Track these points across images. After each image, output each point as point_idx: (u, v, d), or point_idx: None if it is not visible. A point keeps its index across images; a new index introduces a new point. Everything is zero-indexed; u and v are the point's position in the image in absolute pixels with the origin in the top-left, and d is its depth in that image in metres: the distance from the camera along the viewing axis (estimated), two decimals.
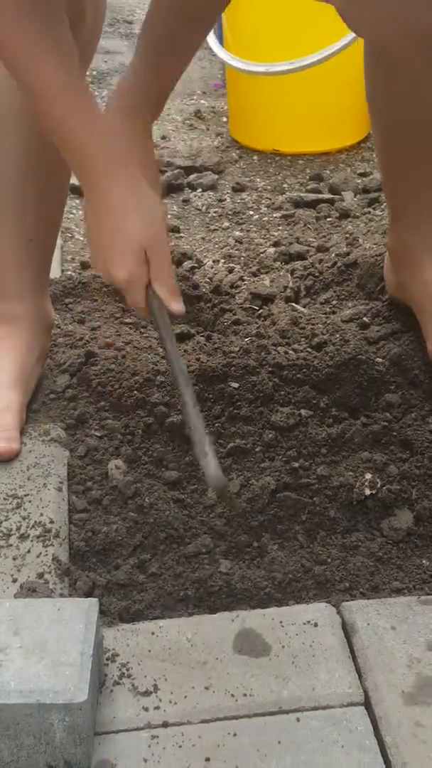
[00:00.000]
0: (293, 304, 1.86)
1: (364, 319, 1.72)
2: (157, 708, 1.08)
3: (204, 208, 2.27)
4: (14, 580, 1.23)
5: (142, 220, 1.25)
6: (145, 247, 1.24)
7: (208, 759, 1.04)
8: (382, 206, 2.17)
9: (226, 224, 2.21)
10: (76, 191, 2.23)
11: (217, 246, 2.11)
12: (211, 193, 2.34)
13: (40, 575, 1.24)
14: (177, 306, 1.26)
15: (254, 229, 2.18)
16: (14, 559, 1.26)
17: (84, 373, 1.57)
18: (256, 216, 2.24)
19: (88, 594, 1.24)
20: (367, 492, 1.40)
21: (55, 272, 1.80)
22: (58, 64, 1.23)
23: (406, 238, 1.64)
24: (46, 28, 1.23)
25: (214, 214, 2.25)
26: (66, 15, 1.27)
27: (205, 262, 2.02)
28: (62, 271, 1.95)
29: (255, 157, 2.52)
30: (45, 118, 1.28)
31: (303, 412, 1.53)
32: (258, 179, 2.42)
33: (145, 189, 1.27)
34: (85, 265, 1.99)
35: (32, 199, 1.48)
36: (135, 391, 1.54)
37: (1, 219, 1.51)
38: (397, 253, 1.69)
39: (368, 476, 1.42)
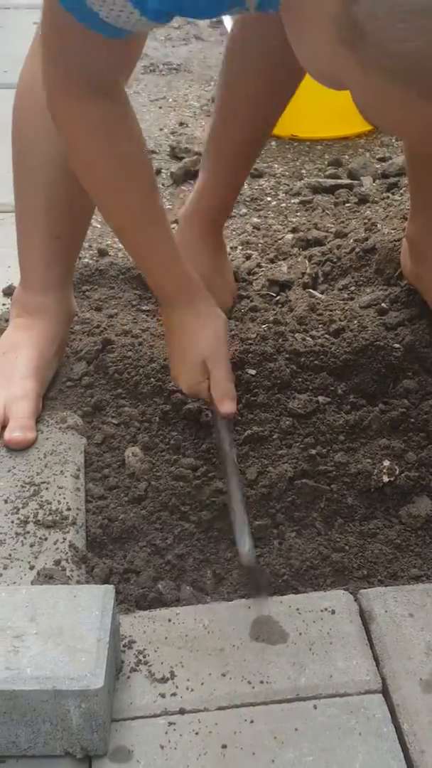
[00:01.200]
0: (311, 290, 1.85)
1: (383, 304, 1.71)
2: (173, 695, 1.08)
3: None
4: (31, 567, 1.23)
5: (206, 336, 1.38)
6: (206, 359, 1.37)
7: (224, 746, 1.04)
8: (401, 191, 2.15)
9: (244, 210, 2.20)
10: None
11: (234, 232, 2.10)
12: None
13: (57, 562, 1.24)
14: (224, 408, 1.36)
15: (272, 215, 2.17)
16: (31, 546, 1.26)
17: (101, 360, 1.57)
18: (274, 202, 2.23)
19: (105, 581, 1.24)
20: (386, 479, 1.40)
21: None
22: (142, 195, 1.33)
23: (427, 231, 1.64)
24: (126, 154, 1.30)
25: None
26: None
27: None
28: (79, 258, 1.94)
29: (273, 143, 2.50)
30: (128, 244, 1.42)
31: (320, 398, 1.52)
32: (276, 165, 2.40)
33: (212, 310, 1.41)
34: (102, 253, 1.98)
35: (63, 199, 1.50)
36: (152, 379, 1.54)
37: (33, 215, 1.53)
38: (415, 244, 1.68)
39: (386, 463, 1.41)
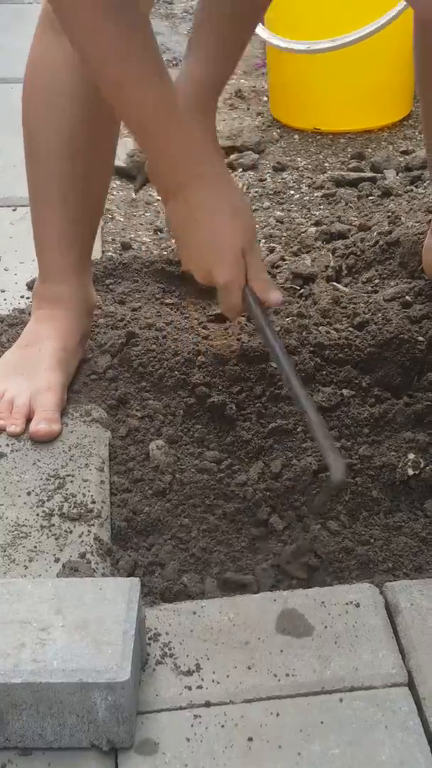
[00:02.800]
0: (334, 283, 1.84)
1: (407, 297, 1.70)
2: (199, 687, 1.08)
3: (245, 188, 2.26)
4: (56, 560, 1.23)
5: (241, 221, 1.26)
6: (242, 248, 1.25)
7: (250, 739, 1.03)
8: (425, 184, 2.14)
9: (267, 204, 2.19)
10: (121, 173, 2.24)
11: (258, 226, 2.09)
12: (252, 173, 2.33)
13: (82, 555, 1.24)
14: (274, 297, 1.27)
15: (295, 208, 2.16)
16: (56, 538, 1.27)
17: (125, 353, 1.57)
18: (297, 195, 2.22)
19: (130, 574, 1.24)
20: (410, 472, 1.39)
21: (96, 253, 1.80)
22: (148, 65, 1.22)
23: None
24: (130, 24, 1.21)
25: (255, 194, 2.23)
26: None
27: None
28: (103, 252, 1.95)
29: (296, 136, 2.50)
30: (128, 114, 1.27)
31: (345, 391, 1.52)
32: (299, 158, 2.40)
33: (235, 189, 1.28)
34: (125, 246, 1.98)
35: (77, 181, 1.48)
36: (176, 372, 1.54)
37: (46, 200, 1.51)
38: None
39: (411, 456, 1.40)
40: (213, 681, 1.09)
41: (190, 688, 1.08)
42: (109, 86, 1.25)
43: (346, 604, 1.17)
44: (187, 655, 1.11)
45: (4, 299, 1.77)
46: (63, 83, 1.42)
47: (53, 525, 1.29)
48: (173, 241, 1.31)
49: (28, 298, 1.76)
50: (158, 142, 1.26)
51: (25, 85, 1.48)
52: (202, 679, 1.09)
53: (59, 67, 1.40)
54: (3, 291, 1.79)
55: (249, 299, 1.27)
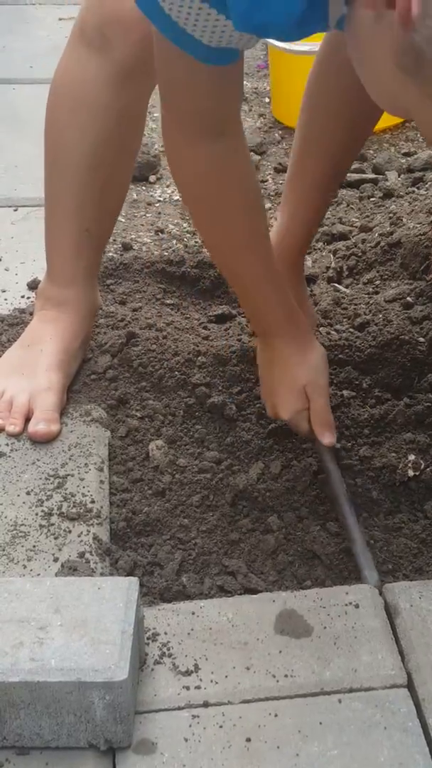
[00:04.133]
0: (335, 284, 1.84)
1: (408, 298, 1.70)
2: (198, 687, 1.08)
3: None
4: (55, 560, 1.23)
5: (307, 367, 1.39)
6: (306, 387, 1.38)
7: (248, 739, 1.03)
8: (427, 186, 2.14)
9: (268, 205, 2.19)
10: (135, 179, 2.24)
11: None
12: None
13: (81, 555, 1.24)
14: (326, 439, 1.37)
15: None
16: (56, 538, 1.26)
17: (125, 353, 1.57)
18: None
19: (129, 573, 1.24)
20: (411, 473, 1.39)
21: None
22: (250, 231, 1.33)
23: None
24: (234, 194, 1.29)
25: None
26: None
27: None
28: (104, 252, 1.95)
29: None
30: (230, 274, 1.42)
31: (345, 392, 1.51)
32: None
33: (312, 345, 1.40)
34: (126, 247, 1.98)
35: (94, 191, 1.50)
36: (176, 372, 1.54)
37: (62, 208, 1.53)
38: None
39: (411, 457, 1.40)
40: (211, 681, 1.09)
41: (188, 688, 1.08)
42: (215, 251, 1.40)
43: (346, 605, 1.17)
44: (186, 656, 1.11)
45: (5, 299, 1.76)
46: (90, 97, 1.44)
47: (52, 524, 1.28)
48: (259, 374, 1.47)
49: (28, 298, 1.75)
50: (255, 303, 1.39)
51: (51, 94, 1.49)
52: (201, 680, 1.09)
53: (88, 81, 1.42)
54: (4, 291, 1.79)
55: (313, 440, 1.40)
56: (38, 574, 1.21)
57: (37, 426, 1.41)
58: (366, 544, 1.28)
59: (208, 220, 1.33)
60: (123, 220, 2.10)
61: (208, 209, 1.31)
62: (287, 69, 2.54)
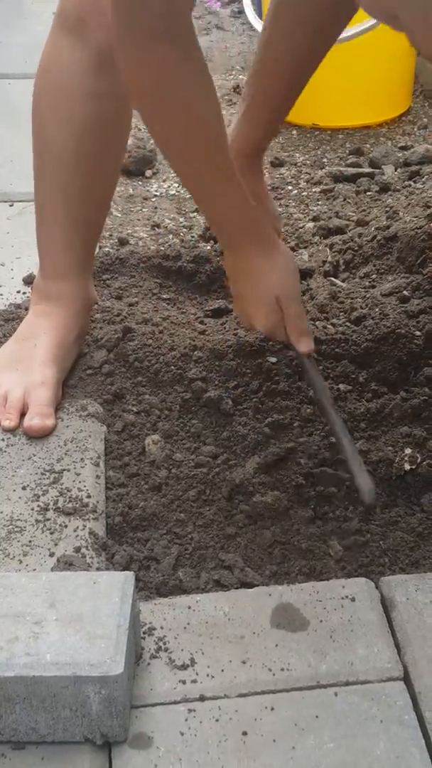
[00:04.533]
0: (332, 278, 1.84)
1: (404, 292, 1.70)
2: (194, 681, 1.08)
3: None
4: (51, 554, 1.23)
5: (279, 275, 1.39)
6: (278, 297, 1.39)
7: (245, 733, 1.03)
8: (423, 179, 2.14)
9: None
10: (126, 173, 2.24)
11: None
12: None
13: (77, 549, 1.23)
14: (303, 347, 1.40)
15: (293, 204, 2.16)
16: (51, 533, 1.26)
17: (121, 348, 1.56)
18: (295, 191, 2.22)
19: (125, 568, 1.24)
20: (407, 467, 1.39)
21: None
22: (208, 139, 1.31)
23: None
24: (192, 99, 1.28)
25: None
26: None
27: None
28: (100, 247, 1.94)
29: (294, 132, 2.49)
30: (188, 180, 1.40)
31: (342, 386, 1.51)
32: (297, 154, 2.39)
33: (277, 248, 1.41)
34: (122, 242, 1.98)
35: (83, 182, 1.49)
36: (172, 367, 1.53)
37: (51, 200, 1.52)
38: None
39: (408, 451, 1.40)
40: (207, 675, 1.08)
41: (184, 682, 1.08)
42: (174, 160, 1.36)
43: (342, 598, 1.17)
44: (182, 650, 1.11)
45: (0, 294, 1.76)
46: (71, 85, 1.43)
47: (48, 519, 1.28)
48: (230, 287, 1.46)
49: (24, 293, 1.75)
50: (215, 209, 1.39)
51: (37, 84, 1.49)
52: (197, 674, 1.09)
53: (72, 70, 1.41)
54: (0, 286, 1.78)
55: (290, 347, 1.42)
56: (34, 569, 1.21)
57: (32, 421, 1.41)
58: (356, 451, 1.30)
59: (163, 129, 1.31)
60: (119, 215, 2.10)
61: (160, 116, 1.29)
62: None
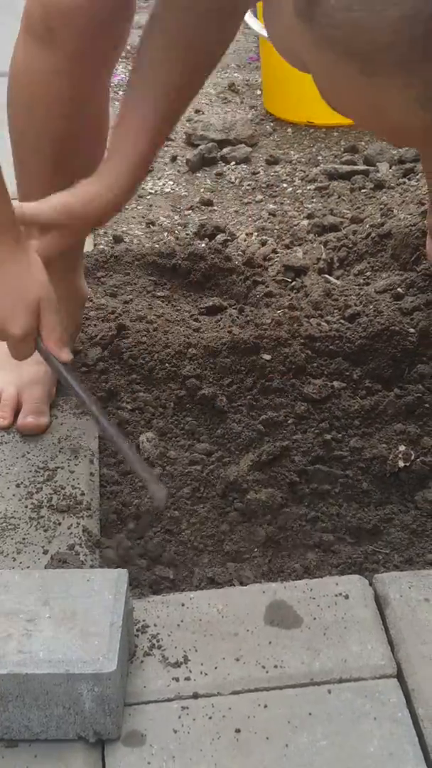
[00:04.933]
0: (326, 275, 1.84)
1: (398, 289, 1.70)
2: (187, 679, 1.08)
3: (237, 181, 2.25)
4: (45, 552, 1.23)
5: (35, 278, 1.27)
6: (39, 302, 1.26)
7: (238, 730, 1.03)
8: (418, 177, 2.14)
9: (260, 197, 2.19)
10: None
11: (250, 219, 2.09)
12: (245, 166, 2.32)
13: (71, 547, 1.23)
14: (63, 356, 1.27)
15: (288, 201, 2.16)
16: (45, 530, 1.26)
17: (115, 345, 1.56)
18: (290, 189, 2.22)
19: (119, 566, 1.24)
20: (401, 464, 1.38)
21: (87, 246, 1.79)
22: None
23: None
24: None
25: (248, 187, 2.23)
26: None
27: (238, 234, 2.00)
28: (94, 245, 1.94)
29: (289, 130, 2.49)
30: None
31: (336, 383, 1.51)
32: (292, 152, 2.39)
33: (26, 247, 1.28)
34: (117, 239, 1.98)
35: (65, 186, 1.47)
36: (167, 364, 1.53)
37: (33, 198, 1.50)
38: None
39: (402, 448, 1.40)
40: (201, 673, 1.08)
41: (177, 680, 1.08)
42: None
43: (336, 595, 1.17)
44: (175, 647, 1.11)
45: None
46: (43, 91, 1.40)
47: (42, 517, 1.28)
48: None
49: None
50: None
51: (9, 93, 1.45)
52: (190, 671, 1.09)
53: (39, 75, 1.38)
54: None
55: (47, 354, 1.28)
56: (28, 567, 1.20)
57: (26, 419, 1.41)
58: (138, 456, 1.25)
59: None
60: None
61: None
62: (278, 61, 2.53)
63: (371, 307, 1.64)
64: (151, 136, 1.33)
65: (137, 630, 1.12)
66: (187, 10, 1.29)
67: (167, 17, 1.31)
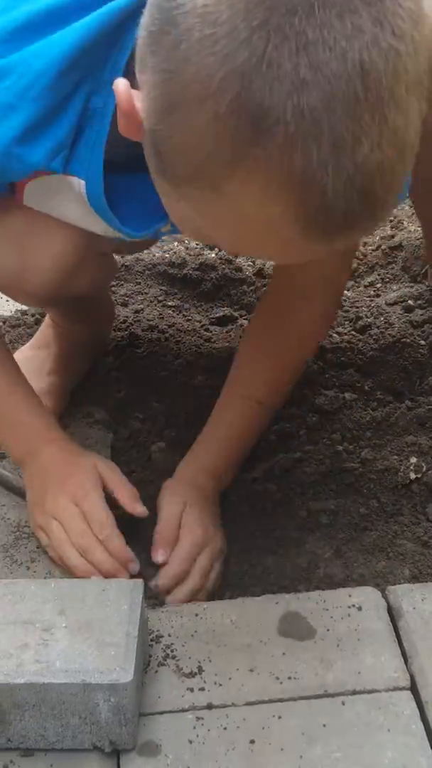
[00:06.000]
0: None
1: (409, 302, 1.71)
2: (201, 689, 1.08)
3: None
4: None
5: (91, 456, 1.28)
6: (97, 466, 1.26)
7: (252, 741, 1.03)
8: None
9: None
10: None
11: None
12: None
13: None
14: (138, 510, 1.25)
15: None
16: None
17: (128, 355, 1.57)
18: None
19: (134, 576, 1.24)
20: (413, 476, 1.39)
21: None
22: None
23: None
24: None
25: None
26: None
27: None
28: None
29: None
30: None
31: (347, 395, 1.52)
32: None
33: (76, 446, 1.30)
34: None
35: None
36: (178, 375, 1.54)
37: None
38: None
39: (413, 460, 1.41)
40: (215, 683, 1.09)
41: (192, 690, 1.08)
42: None
43: (349, 607, 1.17)
44: (190, 657, 1.11)
45: (7, 300, 1.76)
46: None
47: None
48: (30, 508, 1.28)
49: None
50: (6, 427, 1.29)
51: None
52: (205, 681, 1.09)
53: None
54: None
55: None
56: (43, 576, 1.21)
57: None
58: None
59: None
60: None
61: None
62: None
63: (382, 318, 1.65)
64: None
65: (151, 640, 1.13)
66: None
67: None
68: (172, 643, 1.13)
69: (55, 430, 1.30)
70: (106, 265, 1.42)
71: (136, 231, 1.13)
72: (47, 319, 1.55)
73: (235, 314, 1.74)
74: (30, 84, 0.97)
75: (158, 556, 1.23)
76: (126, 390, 1.53)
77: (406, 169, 0.82)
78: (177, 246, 2.00)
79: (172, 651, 1.12)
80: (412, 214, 2.01)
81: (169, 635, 1.14)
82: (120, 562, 1.19)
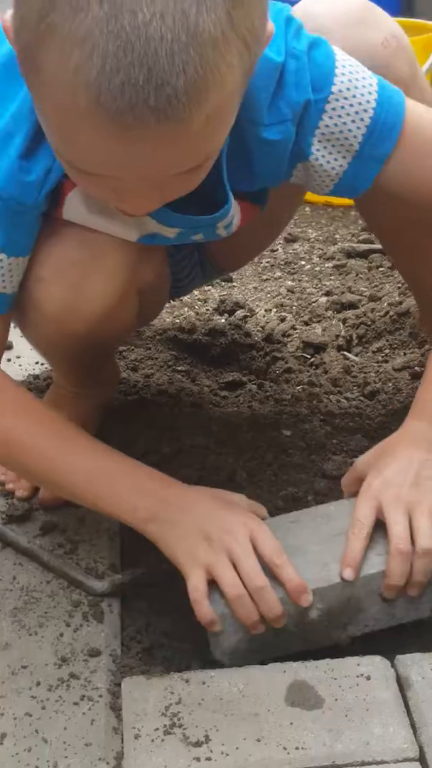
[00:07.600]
0: (345, 352, 1.86)
1: (416, 368, 1.71)
2: (208, 759, 1.07)
3: (256, 258, 2.28)
4: (67, 625, 1.23)
5: (237, 501, 1.23)
6: (246, 522, 1.17)
7: None
8: None
9: (279, 274, 2.22)
10: None
11: (269, 295, 2.11)
12: None
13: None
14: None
15: (306, 278, 2.18)
16: (68, 603, 1.26)
17: (137, 420, 1.58)
18: (308, 266, 2.25)
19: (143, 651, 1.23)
20: None
21: None
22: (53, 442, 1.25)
23: None
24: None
25: (267, 264, 2.26)
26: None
27: (257, 310, 2.02)
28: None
29: (307, 209, 2.53)
30: (87, 490, 1.24)
31: (355, 460, 1.52)
32: (310, 230, 2.43)
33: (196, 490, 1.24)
34: None
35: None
36: (187, 439, 1.54)
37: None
38: None
39: None
40: (222, 753, 1.08)
41: (199, 760, 1.07)
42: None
43: (357, 676, 1.16)
44: (196, 726, 1.10)
45: (19, 365, 1.77)
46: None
47: (64, 589, 1.28)
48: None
49: (42, 363, 1.76)
50: (113, 495, 1.22)
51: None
52: (211, 751, 1.08)
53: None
54: (18, 357, 1.79)
55: None
56: (51, 640, 1.20)
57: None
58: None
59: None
60: None
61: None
62: None
63: (390, 384, 1.65)
64: None
65: (160, 709, 1.11)
66: None
67: None
68: (179, 711, 1.12)
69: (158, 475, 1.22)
70: (143, 304, 1.41)
71: (172, 224, 1.14)
72: (53, 387, 1.56)
73: (244, 379, 1.75)
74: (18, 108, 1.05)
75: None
76: (134, 454, 1.52)
77: (204, 63, 0.83)
78: (187, 312, 2.02)
79: (179, 719, 1.11)
80: None
81: (177, 703, 1.13)
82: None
